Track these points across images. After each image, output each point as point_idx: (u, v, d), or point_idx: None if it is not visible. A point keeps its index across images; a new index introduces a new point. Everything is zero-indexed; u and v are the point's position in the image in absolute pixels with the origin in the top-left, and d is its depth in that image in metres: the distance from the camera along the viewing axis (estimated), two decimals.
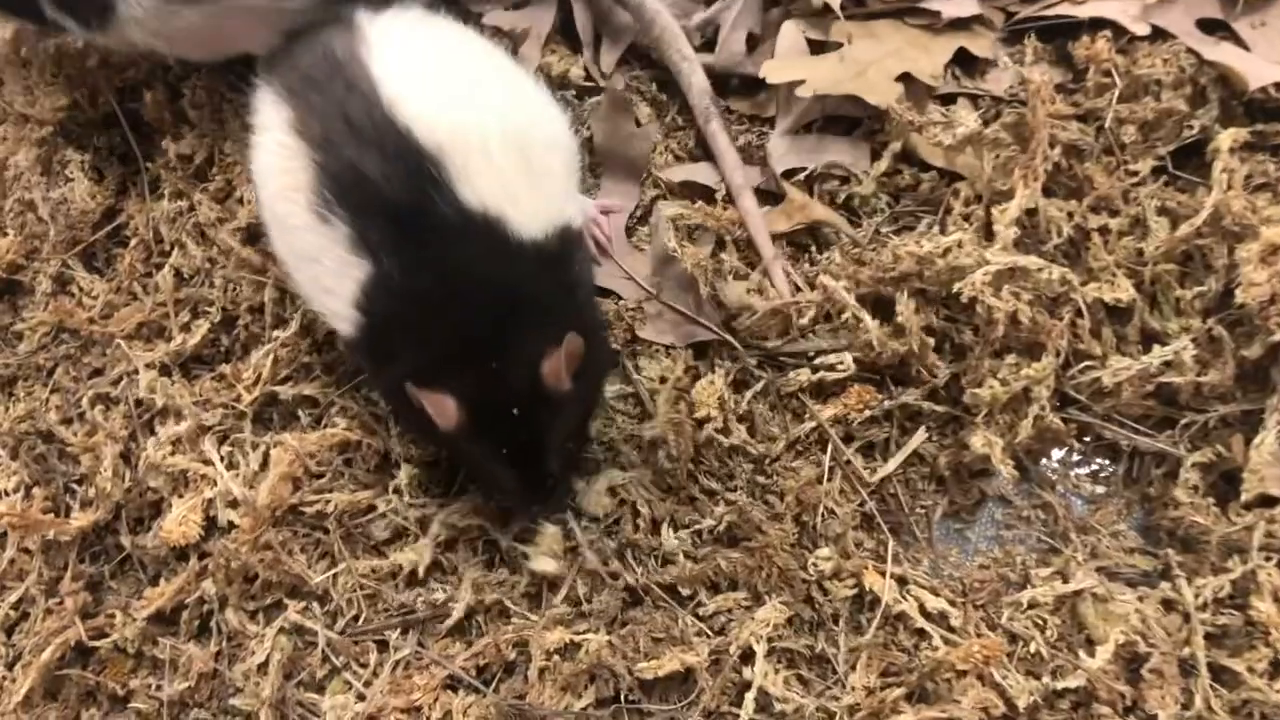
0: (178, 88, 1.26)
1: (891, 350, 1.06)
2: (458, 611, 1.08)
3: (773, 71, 1.16)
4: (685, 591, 1.07)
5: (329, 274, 0.98)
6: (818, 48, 1.20)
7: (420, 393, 0.91)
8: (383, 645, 1.10)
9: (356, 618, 1.10)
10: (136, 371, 1.17)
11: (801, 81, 1.14)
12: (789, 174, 1.16)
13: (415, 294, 0.95)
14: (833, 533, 1.07)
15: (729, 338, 1.11)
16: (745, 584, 1.07)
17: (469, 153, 0.94)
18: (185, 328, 1.20)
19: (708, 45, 1.23)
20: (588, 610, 1.08)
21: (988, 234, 1.09)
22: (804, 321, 1.11)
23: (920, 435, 1.10)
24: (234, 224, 1.19)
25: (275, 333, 1.16)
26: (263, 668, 1.10)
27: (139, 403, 1.18)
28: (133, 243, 1.23)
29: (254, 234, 1.20)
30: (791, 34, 1.19)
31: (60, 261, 1.23)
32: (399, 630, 1.10)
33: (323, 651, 1.09)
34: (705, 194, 1.19)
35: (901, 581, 1.07)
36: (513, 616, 1.08)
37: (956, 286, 1.04)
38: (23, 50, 1.29)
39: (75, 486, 1.19)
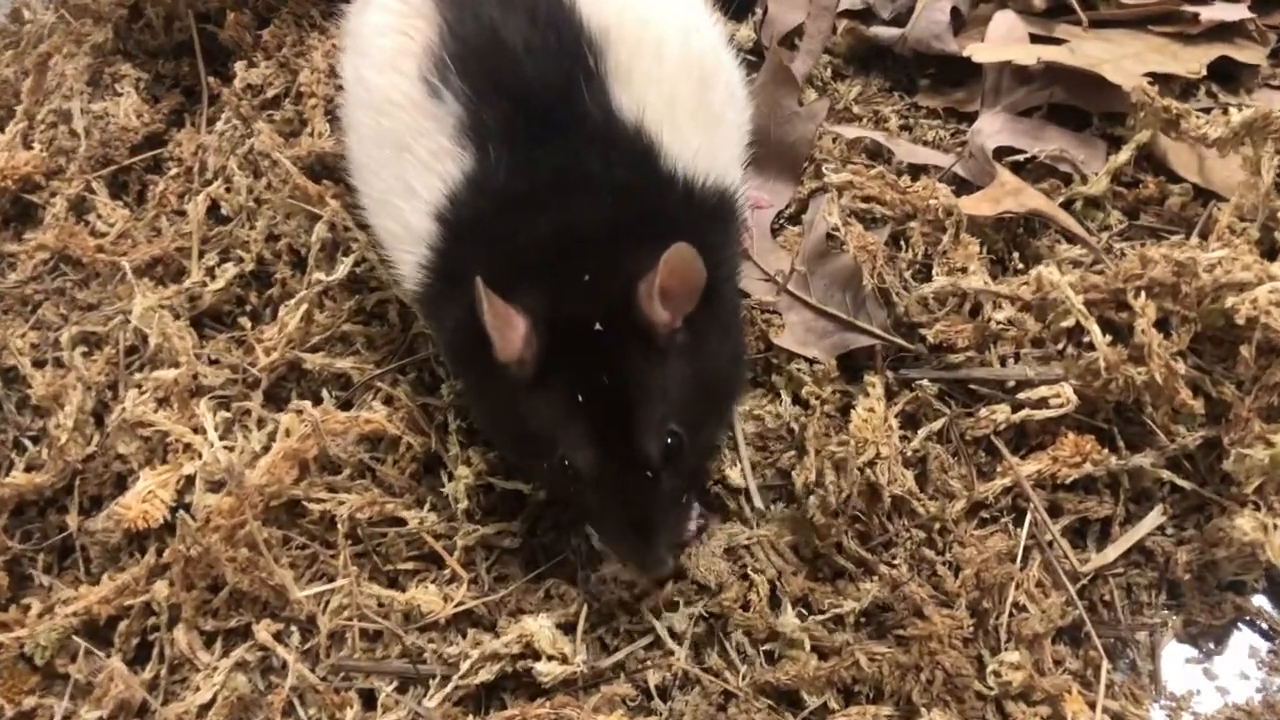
0: (266, 16, 1.08)
1: (1125, 379, 0.77)
2: (484, 673, 0.77)
3: (981, 51, 0.93)
4: (811, 700, 0.75)
5: (417, 168, 0.77)
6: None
7: (487, 296, 0.66)
8: (369, 700, 0.79)
9: (348, 657, 0.80)
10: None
11: (1010, 63, 0.91)
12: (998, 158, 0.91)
13: (515, 199, 0.74)
14: (1028, 633, 0.75)
15: (900, 341, 0.83)
16: (894, 692, 0.75)
17: (639, 51, 0.77)
18: (209, 272, 0.96)
19: (896, 21, 1.02)
20: (659, 709, 0.77)
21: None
22: (1006, 347, 0.83)
23: (1154, 517, 0.80)
24: (295, 152, 0.97)
25: (317, 275, 0.91)
26: (205, 710, 0.80)
27: (130, 350, 0.93)
28: (172, 171, 1.02)
29: (315, 172, 0.98)
30: (1008, 21, 0.98)
31: (84, 183, 1.02)
32: (393, 683, 0.79)
33: (288, 696, 0.79)
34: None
35: None
36: (550, 689, 0.77)
37: (1230, 301, 0.75)
38: None
39: (27, 443, 0.93)
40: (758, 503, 0.83)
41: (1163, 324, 0.81)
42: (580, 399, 0.69)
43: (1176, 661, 0.79)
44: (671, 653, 0.78)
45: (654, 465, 0.70)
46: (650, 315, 0.68)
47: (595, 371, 0.69)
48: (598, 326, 0.68)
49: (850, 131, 0.94)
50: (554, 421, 0.70)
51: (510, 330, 0.68)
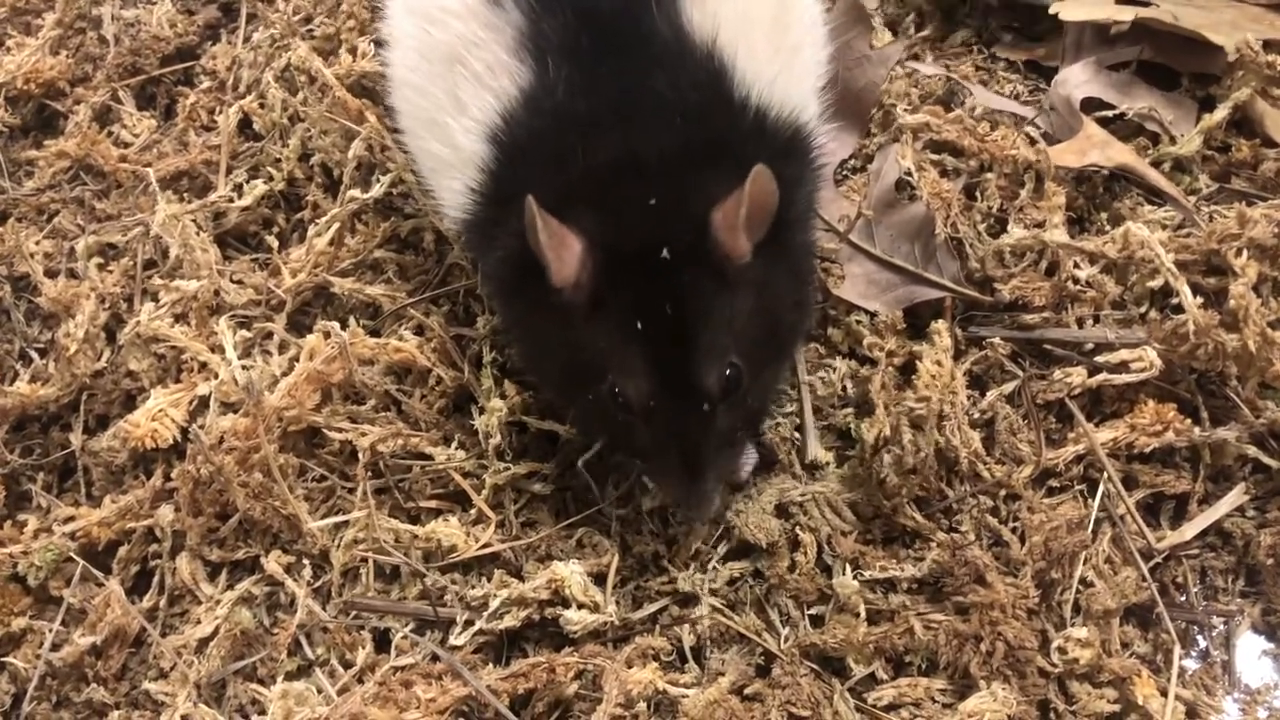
0: None
1: (1214, 345, 0.72)
2: (510, 619, 0.72)
3: (1069, 9, 0.88)
4: (858, 668, 0.70)
5: (470, 83, 0.72)
6: None
7: (541, 216, 0.62)
8: (383, 642, 0.74)
9: (362, 595, 0.74)
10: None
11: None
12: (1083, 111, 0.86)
13: (575, 120, 0.68)
14: (1097, 608, 0.70)
15: (974, 293, 0.77)
16: (949, 663, 0.69)
17: None
18: (237, 188, 0.91)
19: None
20: (693, 670, 0.71)
21: None
22: (1083, 308, 0.77)
23: (1235, 496, 0.75)
24: (335, 70, 0.92)
25: (352, 193, 0.86)
26: (204, 644, 0.74)
27: (149, 264, 0.88)
28: (204, 84, 0.97)
29: (355, 94, 0.92)
30: None
31: (110, 91, 0.97)
32: (410, 625, 0.73)
33: (295, 634, 0.73)
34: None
35: (1190, 714, 0.69)
36: (580, 640, 0.72)
37: None
38: None
39: (34, 355, 0.88)
40: (816, 450, 0.77)
41: (1255, 291, 0.76)
42: (638, 325, 0.64)
43: (1252, 653, 0.74)
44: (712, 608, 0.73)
45: (711, 397, 0.65)
46: (726, 245, 0.64)
47: (656, 297, 0.64)
48: (664, 254, 0.63)
49: (927, 69, 0.89)
50: (608, 348, 0.66)
51: (565, 251, 0.63)
